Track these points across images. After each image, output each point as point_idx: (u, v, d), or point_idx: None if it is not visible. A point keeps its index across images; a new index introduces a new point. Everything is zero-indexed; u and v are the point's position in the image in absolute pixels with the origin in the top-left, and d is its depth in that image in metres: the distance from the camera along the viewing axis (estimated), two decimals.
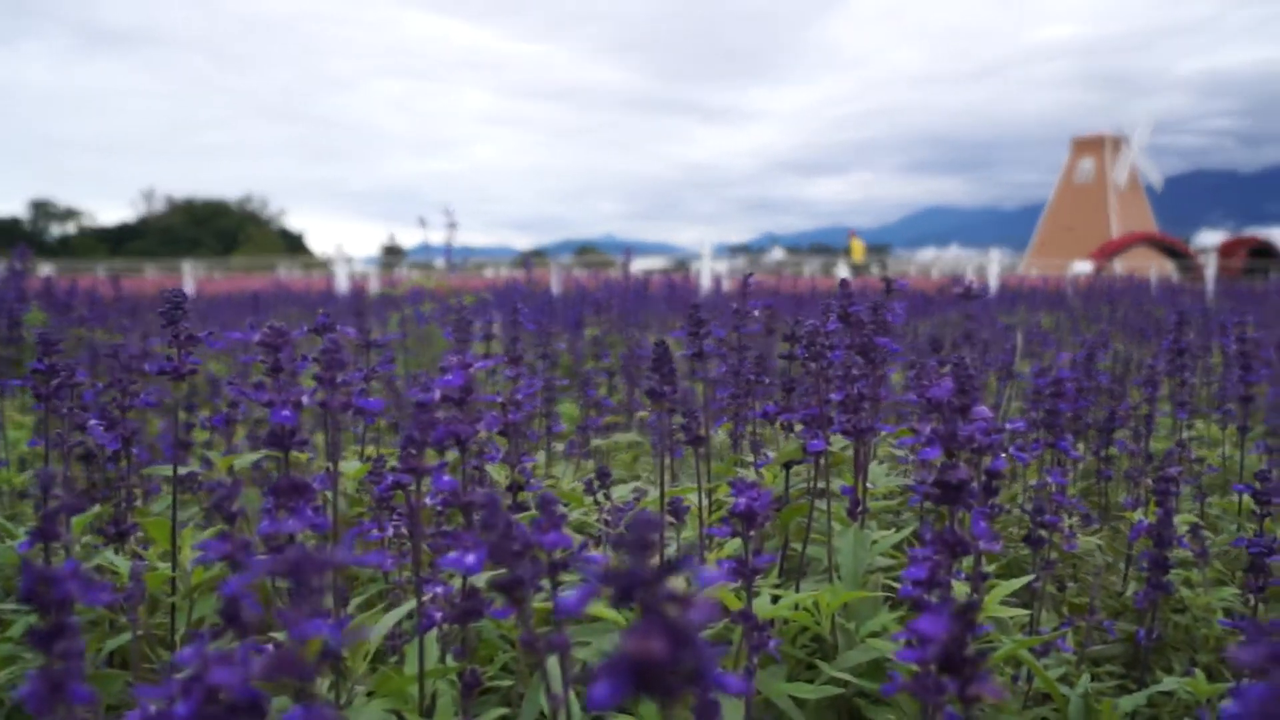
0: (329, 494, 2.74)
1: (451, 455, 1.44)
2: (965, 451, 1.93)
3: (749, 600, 1.33)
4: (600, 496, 1.94)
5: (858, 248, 30.23)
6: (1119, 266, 34.68)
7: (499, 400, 2.01)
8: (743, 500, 1.30)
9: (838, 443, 2.14)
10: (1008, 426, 1.91)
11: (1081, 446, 3.26)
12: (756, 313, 2.69)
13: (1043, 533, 2.06)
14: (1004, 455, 1.90)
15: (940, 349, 2.90)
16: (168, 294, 1.81)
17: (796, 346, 1.96)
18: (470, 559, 1.03)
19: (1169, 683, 1.99)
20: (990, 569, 2.41)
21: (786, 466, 2.07)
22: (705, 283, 16.49)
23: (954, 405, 1.36)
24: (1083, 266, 32.86)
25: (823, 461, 1.89)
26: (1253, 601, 1.97)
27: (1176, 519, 2.64)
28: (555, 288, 16.36)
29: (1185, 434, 3.83)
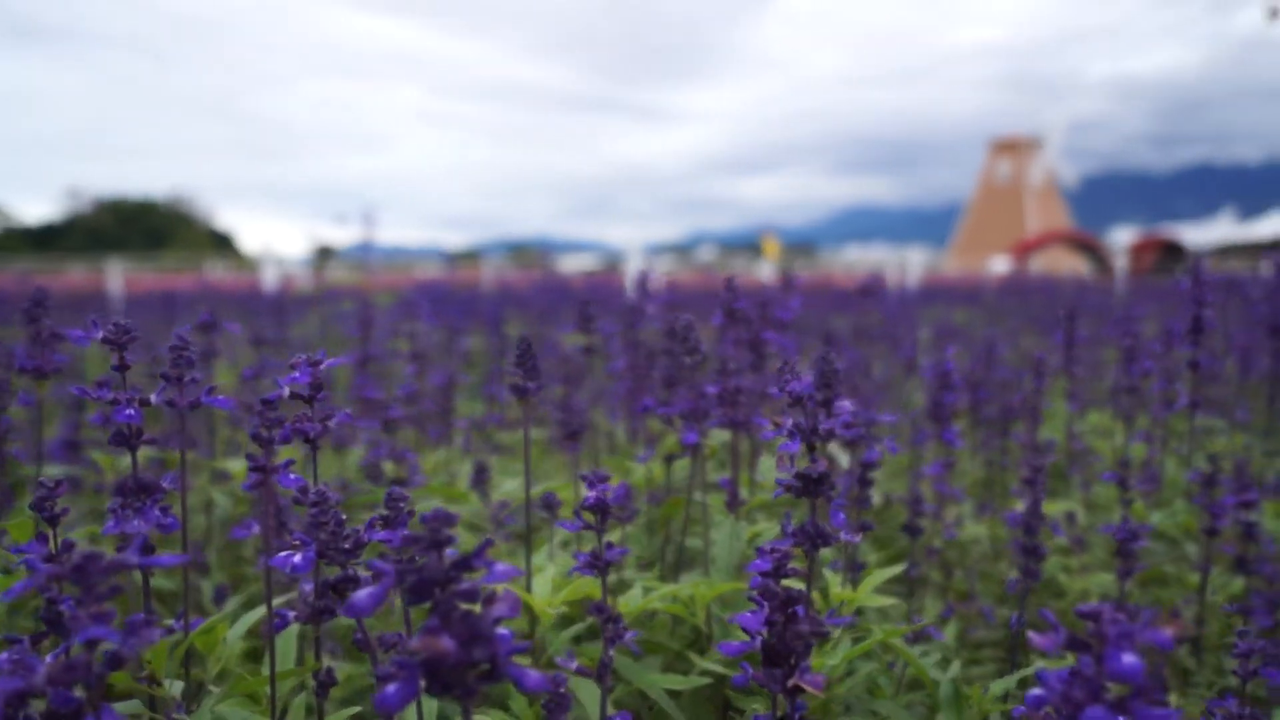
0: (218, 495, 2.69)
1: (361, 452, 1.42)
2: (840, 444, 1.96)
3: (604, 593, 1.34)
4: (482, 492, 1.94)
5: (771, 247, 30.85)
6: (1036, 264, 35.39)
7: (379, 398, 2.00)
8: (593, 494, 1.31)
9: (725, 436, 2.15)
10: (882, 419, 1.94)
11: (972, 438, 3.33)
12: (651, 309, 2.70)
13: (920, 521, 2.10)
14: (878, 447, 1.93)
15: (831, 342, 2.94)
16: (32, 293, 1.77)
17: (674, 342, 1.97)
18: (297, 558, 1.02)
19: (1038, 665, 2.04)
20: (874, 559, 2.46)
21: (667, 460, 2.08)
22: (631, 282, 16.48)
23: (815, 399, 1.38)
24: (1000, 264, 33.48)
25: (701, 454, 1.91)
26: (1122, 585, 2.02)
27: (1062, 507, 2.71)
28: (487, 286, 16.26)
29: (1079, 425, 3.93)
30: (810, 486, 1.36)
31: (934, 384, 2.79)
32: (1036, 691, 0.91)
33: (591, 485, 1.32)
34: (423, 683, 0.79)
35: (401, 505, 1.17)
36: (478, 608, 0.79)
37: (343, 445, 2.84)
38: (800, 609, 1.13)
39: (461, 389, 4.16)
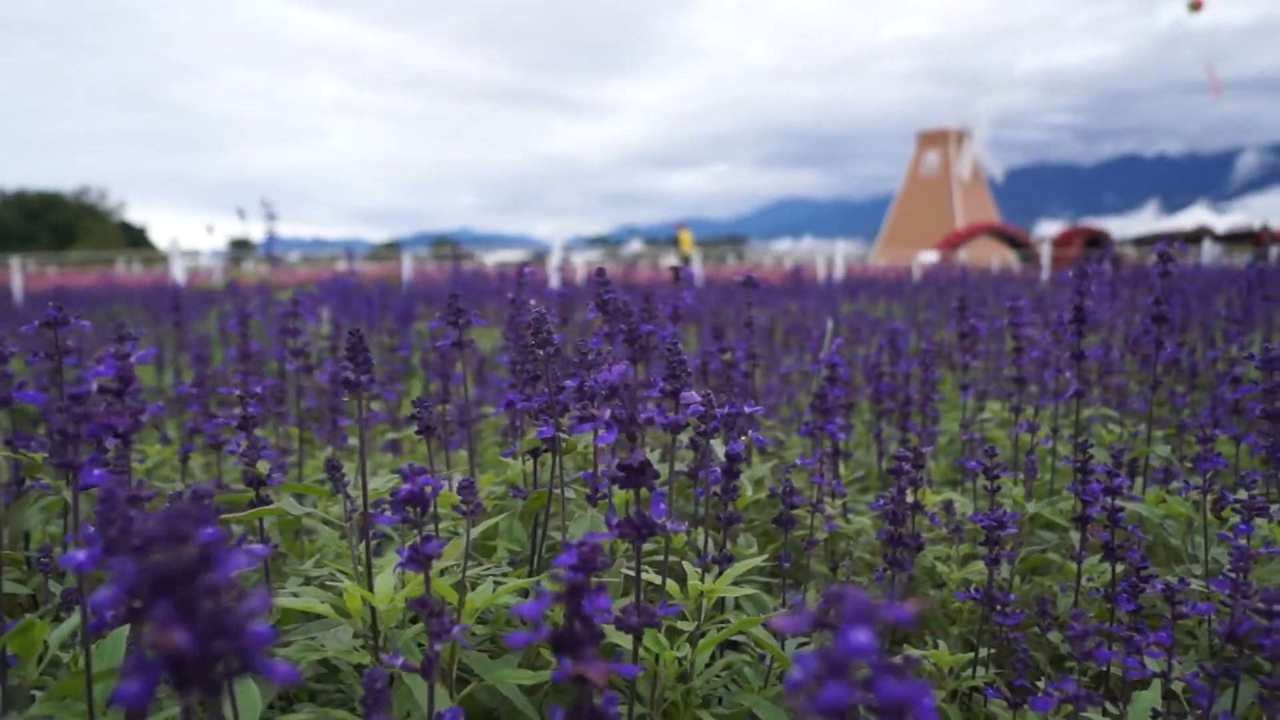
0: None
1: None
2: (709, 433, 1.94)
3: (427, 587, 1.30)
4: (339, 490, 1.89)
5: (685, 239, 31.28)
6: (963, 256, 35.90)
7: (235, 393, 1.94)
8: (407, 487, 1.27)
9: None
10: (746, 409, 1.92)
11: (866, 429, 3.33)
12: (533, 302, 2.67)
13: (795, 513, 2.09)
14: (743, 439, 1.91)
15: (722, 337, 2.93)
16: None
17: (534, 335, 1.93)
18: (81, 556, 0.97)
19: (908, 654, 2.04)
20: (753, 551, 2.44)
21: (532, 454, 2.05)
22: (554, 276, 16.48)
23: (630, 388, 1.35)
24: (928, 256, 33.91)
25: (559, 448, 1.87)
26: (991, 572, 2.03)
27: (944, 497, 2.72)
28: (407, 279, 16.10)
29: (981, 415, 3.97)
30: (632, 477, 1.34)
31: (823, 376, 2.78)
32: (795, 674, 0.89)
33: (408, 478, 1.28)
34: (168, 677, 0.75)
35: (206, 501, 1.12)
36: (228, 602, 0.76)
37: (221, 445, 2.76)
38: (591, 600, 1.11)
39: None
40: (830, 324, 4.53)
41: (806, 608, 0.86)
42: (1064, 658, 2.32)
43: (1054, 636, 2.37)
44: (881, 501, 2.07)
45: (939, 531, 2.58)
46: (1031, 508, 2.54)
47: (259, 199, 7.02)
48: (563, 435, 1.80)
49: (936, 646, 2.23)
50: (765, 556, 1.90)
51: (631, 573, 1.64)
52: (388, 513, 1.99)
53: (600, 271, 2.17)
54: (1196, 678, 1.65)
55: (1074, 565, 2.47)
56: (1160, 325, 2.77)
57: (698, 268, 24.00)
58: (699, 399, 1.49)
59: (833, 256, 22.97)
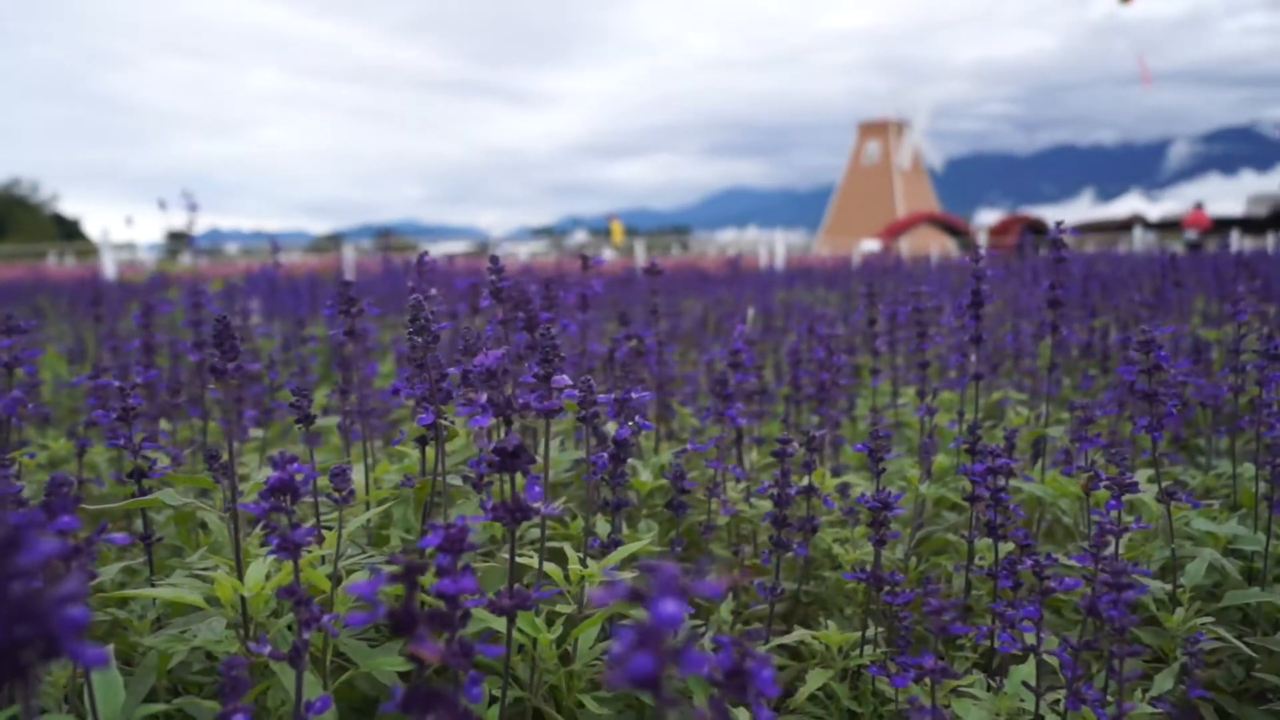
0: None
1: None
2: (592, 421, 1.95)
3: (295, 575, 1.30)
4: (222, 480, 1.88)
5: (617, 230, 31.56)
6: (904, 245, 36.26)
7: (119, 385, 1.92)
8: (276, 475, 1.27)
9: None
10: (633, 395, 1.94)
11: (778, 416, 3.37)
12: (434, 291, 2.66)
13: (683, 497, 2.11)
14: (630, 424, 1.93)
15: (628, 323, 2.94)
16: None
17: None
18: None
19: (796, 635, 2.08)
20: (650, 537, 2.46)
21: (421, 442, 2.05)
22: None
23: (506, 373, 1.36)
24: (870, 245, 34.22)
25: (441, 436, 1.88)
26: (877, 553, 2.07)
27: (841, 480, 2.76)
28: (349, 273, 15.93)
29: (897, 400, 4.02)
30: (506, 461, 1.35)
31: (727, 362, 2.81)
32: (614, 646, 0.90)
33: (277, 466, 1.28)
34: None
35: (63, 490, 1.12)
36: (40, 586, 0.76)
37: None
38: (454, 580, 1.12)
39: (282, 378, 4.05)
40: (751, 311, 4.56)
41: (623, 582, 0.88)
42: (954, 635, 2.36)
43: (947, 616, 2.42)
44: (766, 485, 2.10)
45: (836, 514, 2.62)
46: (924, 489, 2.59)
47: (181, 190, 6.91)
48: (446, 422, 1.80)
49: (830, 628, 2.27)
50: (650, 539, 1.92)
51: (523, 559, 1.65)
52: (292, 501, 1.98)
53: (494, 260, 2.17)
54: (1064, 651, 1.69)
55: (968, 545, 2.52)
56: (1055, 309, 2.83)
57: (641, 258, 24.05)
58: (570, 383, 1.50)
59: (773, 245, 23.11)
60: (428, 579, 1.21)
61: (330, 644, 1.59)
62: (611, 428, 2.21)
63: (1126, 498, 2.71)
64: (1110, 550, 1.94)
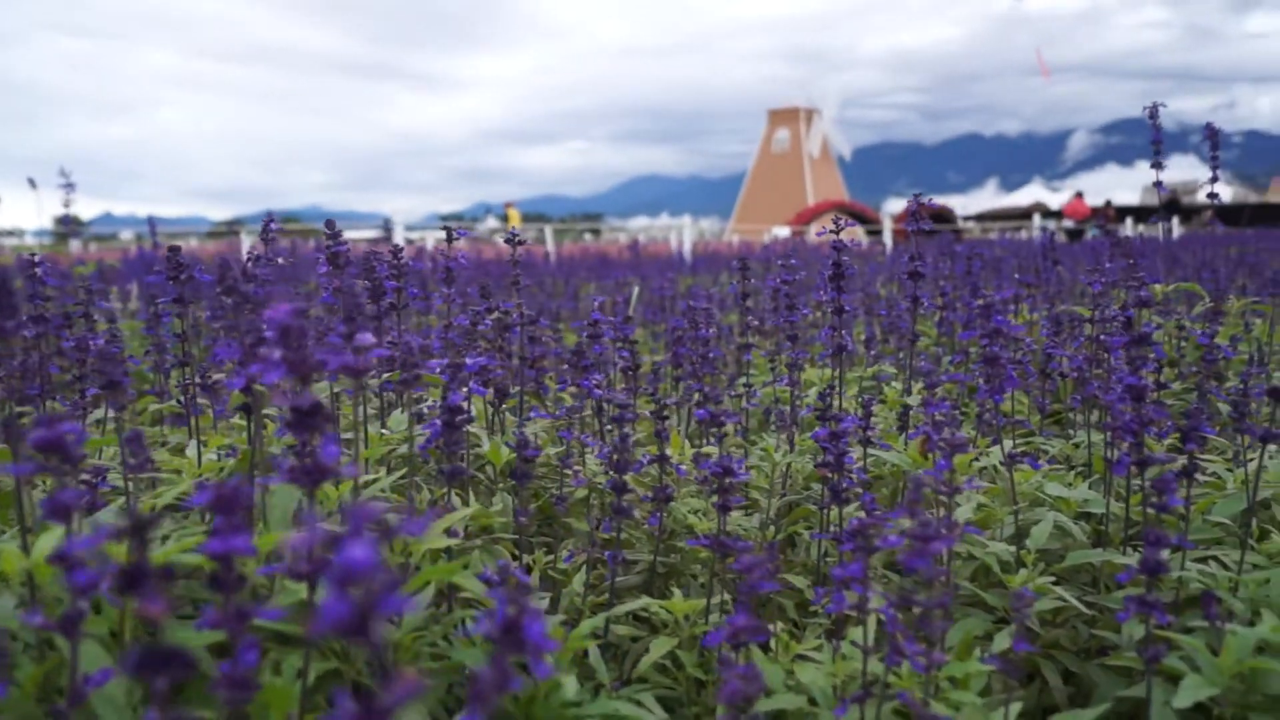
0: None
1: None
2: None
3: (67, 541, 1.24)
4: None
5: (514, 216, 31.92)
6: (814, 231, 36.62)
7: None
8: (40, 434, 1.21)
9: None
10: (469, 361, 1.90)
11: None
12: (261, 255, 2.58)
13: (526, 466, 2.07)
14: (463, 392, 1.88)
15: (489, 296, 2.89)
16: None
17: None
18: None
19: (641, 602, 2.06)
20: (499, 508, 2.42)
21: (244, 410, 1.98)
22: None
23: (300, 331, 1.31)
24: (781, 232, 34.52)
25: (258, 405, 1.82)
26: (722, 519, 2.05)
27: (708, 450, 2.74)
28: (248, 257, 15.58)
29: (780, 376, 4.04)
30: (302, 420, 1.30)
31: (585, 335, 2.78)
32: (323, 597, 0.86)
33: (42, 424, 1.22)
34: None
35: None
36: None
37: None
38: (225, 540, 1.07)
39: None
40: (635, 290, 4.54)
41: (320, 528, 0.84)
42: (808, 602, 2.36)
43: (798, 580, 2.43)
44: (606, 451, 2.07)
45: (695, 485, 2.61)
46: (779, 457, 2.59)
47: (59, 170, 6.67)
48: (260, 387, 1.74)
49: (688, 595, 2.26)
50: (499, 509, 1.88)
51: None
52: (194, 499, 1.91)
53: (330, 224, 2.11)
54: (889, 608, 1.69)
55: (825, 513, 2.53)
56: (916, 281, 2.85)
57: (550, 245, 24.02)
58: (374, 342, 1.46)
59: (681, 232, 23.20)
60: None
61: (129, 616, 1.52)
62: (461, 394, 2.17)
63: (980, 465, 2.75)
64: (945, 510, 1.96)
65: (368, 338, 1.45)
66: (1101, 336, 2.79)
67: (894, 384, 3.87)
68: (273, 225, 2.42)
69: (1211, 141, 4.92)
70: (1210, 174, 5.05)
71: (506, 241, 2.75)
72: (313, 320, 2.47)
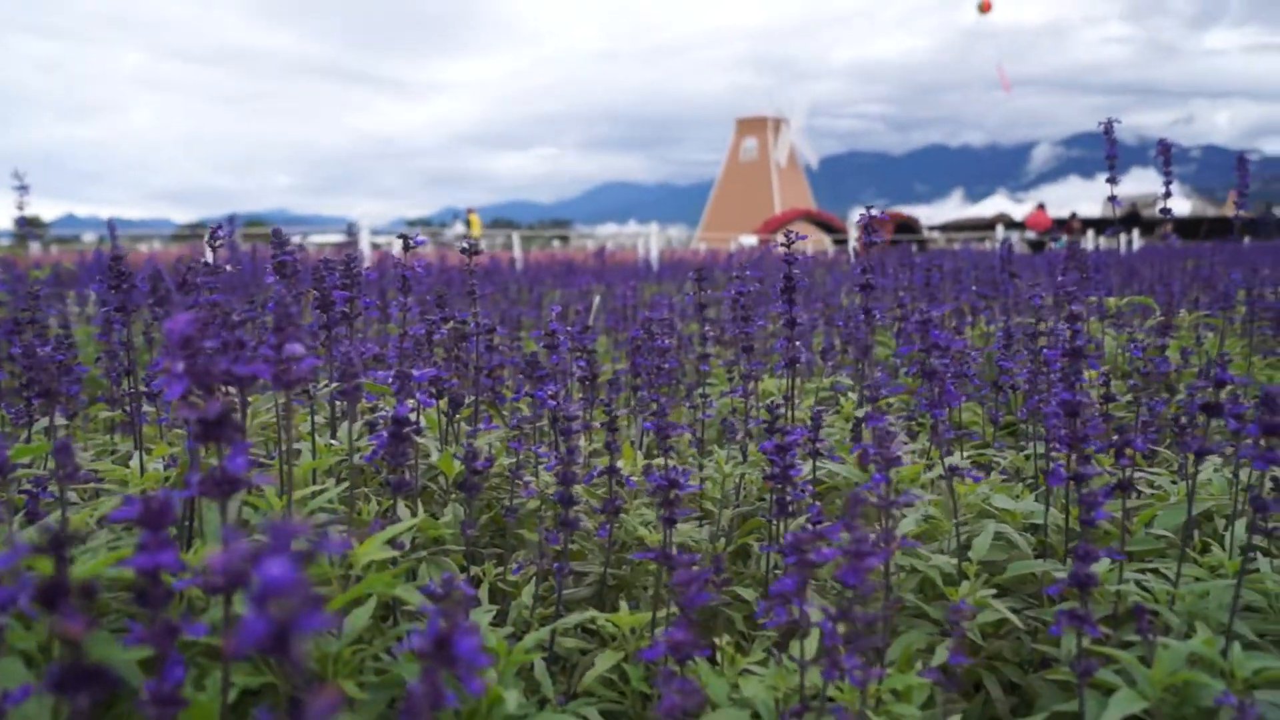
0: None
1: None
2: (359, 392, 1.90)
3: None
4: None
5: (475, 223, 32.09)
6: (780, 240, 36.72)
7: None
8: None
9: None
10: (415, 372, 1.90)
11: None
12: (229, 268, 2.57)
13: (475, 478, 2.07)
14: (410, 403, 1.89)
15: (444, 306, 2.89)
16: None
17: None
18: None
19: (586, 615, 2.06)
20: (449, 519, 2.42)
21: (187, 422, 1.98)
22: (367, 254, 16.24)
23: (198, 339, 1.31)
24: (748, 240, 34.62)
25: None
26: (665, 533, 2.07)
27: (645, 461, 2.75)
28: (213, 261, 15.47)
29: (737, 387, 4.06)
30: (209, 430, 1.30)
31: (542, 344, 2.79)
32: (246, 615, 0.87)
33: None
34: None
35: None
36: None
37: None
38: (150, 556, 1.07)
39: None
40: (596, 299, 4.55)
41: (242, 544, 0.84)
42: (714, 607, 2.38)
43: (748, 592, 2.44)
44: (554, 463, 2.08)
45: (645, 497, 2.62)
46: (729, 469, 2.60)
47: (12, 170, 6.59)
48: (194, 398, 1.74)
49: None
50: (411, 523, 1.88)
51: None
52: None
53: (277, 232, 2.10)
54: (828, 623, 1.71)
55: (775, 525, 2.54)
56: (868, 293, 2.88)
57: (518, 251, 23.97)
58: (303, 352, 1.46)
59: (648, 240, 23.23)
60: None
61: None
62: (410, 404, 2.17)
63: (928, 477, 2.78)
64: (890, 523, 1.98)
65: (296, 348, 1.45)
66: (1042, 350, 2.83)
67: (850, 395, 3.90)
68: (220, 232, 2.41)
69: (1164, 158, 5.00)
70: (1164, 189, 5.12)
71: (462, 251, 2.75)
72: (259, 328, 2.46)
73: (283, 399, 1.65)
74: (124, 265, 2.03)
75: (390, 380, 1.88)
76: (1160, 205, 5.38)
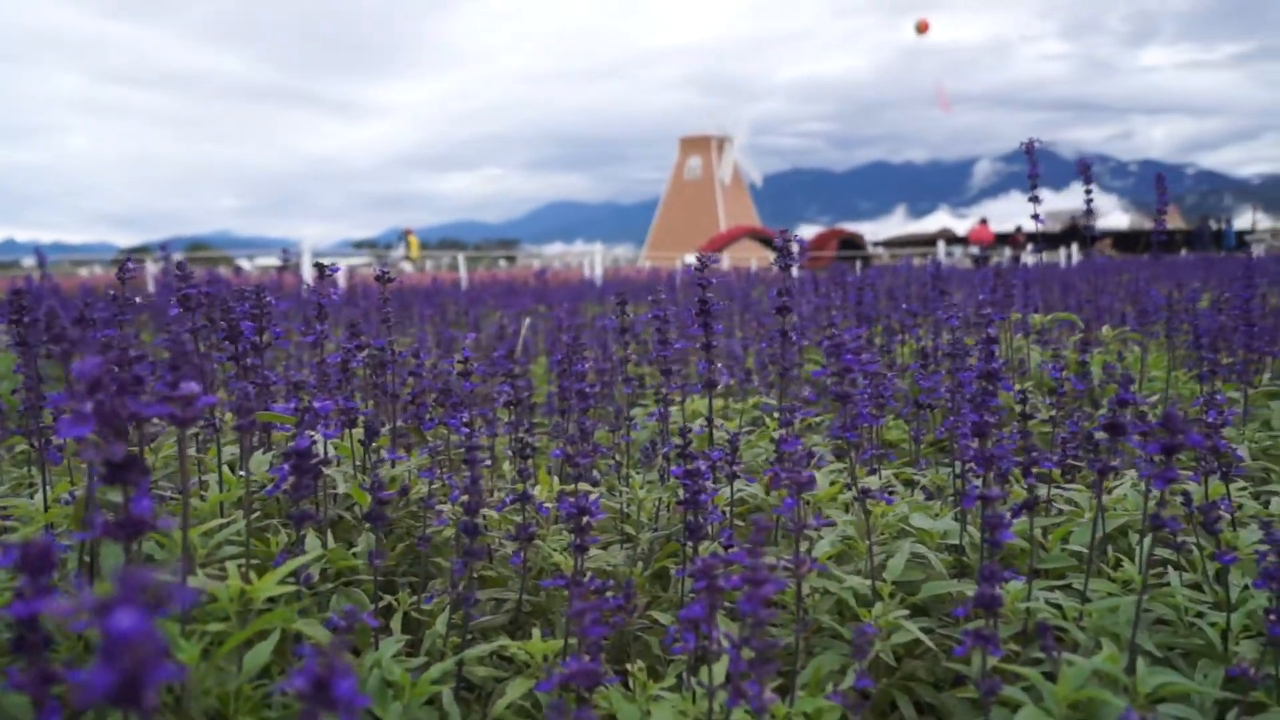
0: None
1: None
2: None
3: None
4: None
5: (413, 244, 32.17)
6: (726, 258, 36.99)
7: None
8: None
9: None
10: (316, 404, 1.89)
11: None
12: (138, 300, 2.52)
13: (380, 508, 2.06)
14: (312, 433, 1.87)
15: (357, 334, 2.87)
16: None
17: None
18: None
19: (496, 644, 2.05)
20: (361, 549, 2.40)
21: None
22: (308, 277, 16.11)
23: (105, 377, 1.29)
24: (693, 258, 34.71)
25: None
26: (576, 560, 2.06)
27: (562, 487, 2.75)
28: (152, 286, 15.29)
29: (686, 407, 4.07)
30: (116, 473, 1.28)
31: (409, 371, 2.78)
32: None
33: None
34: None
35: None
36: None
37: None
38: (27, 606, 1.05)
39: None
40: (527, 321, 4.54)
41: (87, 595, 0.82)
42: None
43: (664, 617, 2.44)
44: (457, 494, 2.07)
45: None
46: (643, 493, 2.61)
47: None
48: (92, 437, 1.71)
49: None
50: (318, 553, 1.86)
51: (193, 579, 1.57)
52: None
53: (181, 265, 2.08)
54: (733, 649, 1.71)
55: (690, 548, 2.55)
56: (784, 315, 2.90)
57: (463, 272, 23.89)
58: (199, 391, 1.44)
59: (592, 259, 23.28)
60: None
61: None
62: (317, 434, 2.14)
63: (845, 499, 2.80)
64: (804, 548, 1.99)
65: (192, 386, 1.43)
66: (957, 371, 2.87)
67: (775, 415, 3.92)
68: (129, 264, 2.37)
69: (1085, 176, 5.11)
70: (1085, 205, 5.23)
71: (377, 279, 2.73)
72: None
73: (180, 436, 1.63)
74: (25, 299, 1.99)
75: (292, 412, 1.86)
76: (1083, 222, 5.48)
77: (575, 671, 1.45)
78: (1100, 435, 2.67)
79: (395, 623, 2.27)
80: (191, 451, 2.52)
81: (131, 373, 1.77)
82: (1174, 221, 47.40)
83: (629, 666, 2.06)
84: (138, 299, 2.45)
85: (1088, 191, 5.04)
